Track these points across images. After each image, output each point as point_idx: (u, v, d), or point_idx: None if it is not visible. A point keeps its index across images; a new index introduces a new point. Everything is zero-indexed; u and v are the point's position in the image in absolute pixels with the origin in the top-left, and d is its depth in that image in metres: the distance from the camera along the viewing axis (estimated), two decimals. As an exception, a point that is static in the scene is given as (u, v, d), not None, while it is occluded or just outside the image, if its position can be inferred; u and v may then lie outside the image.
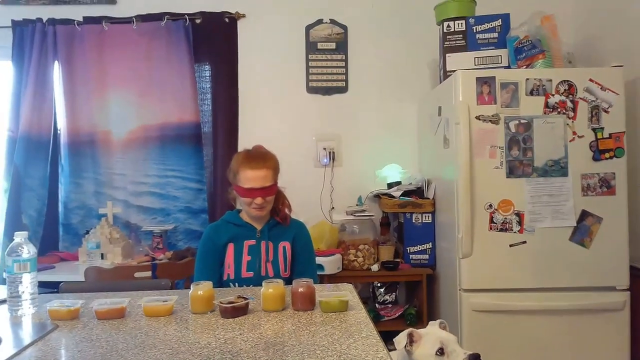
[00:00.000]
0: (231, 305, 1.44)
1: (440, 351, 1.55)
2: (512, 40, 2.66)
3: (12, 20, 3.22)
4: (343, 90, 3.35)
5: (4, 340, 1.27)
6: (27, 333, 1.35)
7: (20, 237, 1.51)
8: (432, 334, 1.62)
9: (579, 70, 2.52)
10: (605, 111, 2.46)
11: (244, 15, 3.32)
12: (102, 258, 2.89)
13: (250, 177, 1.97)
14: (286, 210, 2.11)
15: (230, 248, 2.02)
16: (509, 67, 2.67)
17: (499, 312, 2.47)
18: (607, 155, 2.46)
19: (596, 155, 2.46)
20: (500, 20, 2.73)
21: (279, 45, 3.34)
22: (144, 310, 1.48)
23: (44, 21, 3.21)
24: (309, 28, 3.33)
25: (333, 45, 3.33)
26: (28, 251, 1.50)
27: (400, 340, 1.60)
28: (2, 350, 1.20)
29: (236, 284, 1.98)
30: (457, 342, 1.59)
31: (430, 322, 1.72)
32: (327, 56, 3.33)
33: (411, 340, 1.60)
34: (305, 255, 2.09)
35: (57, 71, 3.24)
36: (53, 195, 3.26)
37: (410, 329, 1.63)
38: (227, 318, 1.43)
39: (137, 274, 2.43)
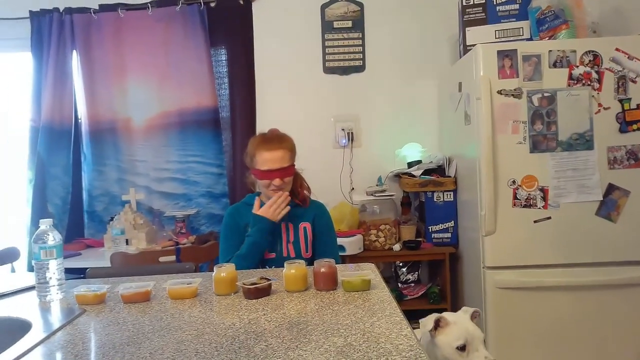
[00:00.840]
0: (254, 286, 1.45)
1: (462, 347, 1.48)
2: (533, 11, 2.59)
3: (30, 11, 3.24)
4: (360, 69, 3.31)
5: (34, 325, 1.30)
6: (55, 318, 1.38)
7: (45, 224, 1.53)
8: (461, 325, 1.53)
9: (605, 39, 2.44)
10: (633, 81, 2.38)
11: (258, -3, 3.29)
12: (127, 244, 2.94)
13: (268, 159, 1.96)
14: (305, 192, 2.10)
15: None
16: (530, 39, 2.60)
17: (523, 288, 2.44)
18: (634, 126, 2.39)
19: (623, 127, 2.39)
20: (521, -10, 2.65)
21: (295, 26, 3.31)
22: (168, 293, 1.49)
23: (61, 10, 3.23)
24: (324, 7, 3.28)
25: (349, 24, 3.28)
26: (53, 238, 1.52)
27: (427, 323, 1.54)
28: (32, 335, 1.22)
29: (259, 265, 2.00)
30: (482, 342, 1.51)
31: (464, 309, 1.62)
32: (344, 35, 3.29)
33: (437, 325, 1.54)
34: (327, 236, 2.09)
35: (75, 60, 3.27)
36: (77, 183, 3.31)
37: (440, 315, 1.56)
38: (251, 299, 1.44)
39: (161, 259, 2.46)
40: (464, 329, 1.51)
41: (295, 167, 2.07)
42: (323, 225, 2.09)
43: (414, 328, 1.21)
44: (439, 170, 3.06)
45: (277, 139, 2.02)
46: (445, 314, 1.57)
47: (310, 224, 2.06)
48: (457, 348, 1.48)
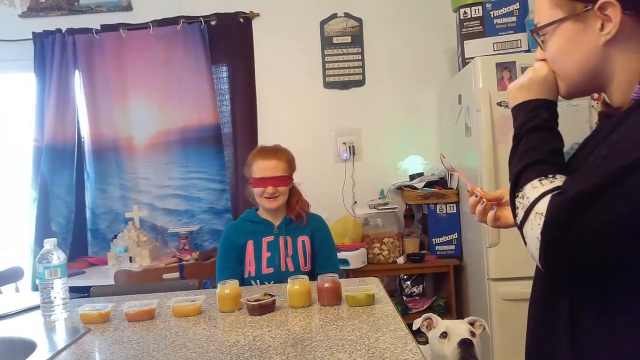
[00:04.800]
0: (258, 302, 1.45)
1: (444, 335, 1.75)
2: (531, 23, 2.61)
3: (33, 33, 3.28)
4: (360, 83, 3.33)
5: (39, 345, 1.30)
6: (60, 337, 1.38)
7: (49, 244, 1.54)
8: (445, 322, 1.81)
9: (602, 50, 2.45)
10: (631, 90, 2.39)
11: (258, 14, 3.32)
12: (131, 261, 2.93)
13: (262, 167, 2.02)
14: (300, 209, 2.09)
15: (250, 245, 2.04)
16: (529, 51, 2.62)
17: (528, 300, 2.42)
18: (635, 135, 2.39)
19: (624, 137, 2.39)
20: (517, 3, 2.68)
21: (294, 42, 3.34)
22: (173, 310, 1.50)
23: (63, 31, 3.26)
24: (323, 23, 3.32)
25: (348, 39, 3.31)
26: (58, 257, 1.53)
27: (417, 321, 1.83)
28: (37, 355, 1.22)
29: (257, 281, 1.99)
30: (465, 332, 1.73)
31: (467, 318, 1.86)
32: (343, 50, 3.32)
33: (428, 324, 1.82)
34: (326, 249, 2.09)
35: (78, 80, 3.30)
36: (80, 201, 3.32)
37: (429, 314, 1.84)
38: (255, 315, 1.43)
39: (165, 276, 2.46)
40: (446, 324, 1.79)
41: (294, 182, 2.09)
42: (322, 239, 2.09)
43: (419, 342, 1.21)
44: (441, 182, 3.06)
45: (274, 150, 2.09)
46: (435, 316, 1.86)
47: (308, 238, 2.06)
48: (440, 337, 1.75)
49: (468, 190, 1.15)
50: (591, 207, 0.77)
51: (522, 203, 0.86)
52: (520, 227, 0.87)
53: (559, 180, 0.85)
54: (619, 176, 0.76)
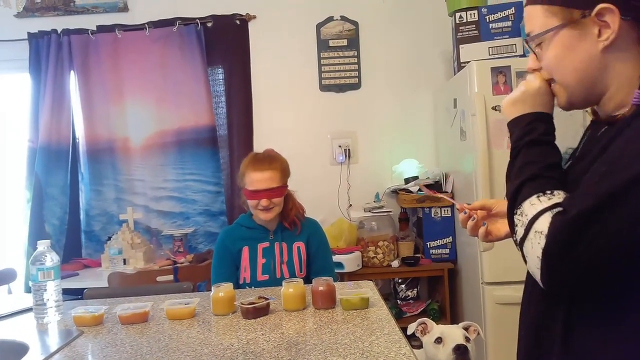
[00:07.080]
0: (252, 305, 1.45)
1: (438, 340, 1.74)
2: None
3: (28, 33, 3.27)
4: (356, 86, 3.34)
5: (32, 348, 1.29)
6: (53, 340, 1.37)
7: (43, 245, 1.53)
8: (440, 327, 1.79)
9: (597, 55, 2.47)
10: (625, 96, 2.40)
11: (254, 17, 3.32)
12: (125, 263, 2.92)
13: (256, 179, 1.95)
14: (294, 216, 2.06)
15: (246, 251, 2.01)
16: (524, 55, 2.63)
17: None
18: (628, 140, 2.40)
19: (617, 141, 2.40)
20: (513, 8, 2.69)
21: (291, 45, 3.34)
22: (166, 313, 1.49)
23: (59, 32, 3.25)
24: (319, 26, 3.32)
25: (344, 42, 3.32)
26: (51, 259, 1.52)
27: (412, 325, 1.81)
28: (30, 358, 1.22)
29: (252, 288, 1.98)
30: (460, 338, 1.72)
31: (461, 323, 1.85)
32: (339, 53, 3.32)
33: (423, 329, 1.81)
34: (322, 254, 2.07)
35: (73, 81, 3.29)
36: (74, 203, 3.30)
37: (424, 319, 1.82)
38: (249, 319, 1.43)
39: (159, 278, 2.45)
40: (441, 329, 1.78)
41: (288, 188, 2.05)
42: (318, 244, 2.07)
43: (413, 346, 1.21)
44: (436, 185, 3.07)
45: (267, 160, 2.00)
46: (429, 321, 1.84)
47: (304, 244, 2.04)
48: (435, 342, 1.74)
49: (457, 209, 1.16)
50: (593, 227, 0.76)
51: (520, 220, 0.85)
52: (520, 245, 0.86)
53: (557, 197, 0.84)
54: (619, 193, 0.75)
